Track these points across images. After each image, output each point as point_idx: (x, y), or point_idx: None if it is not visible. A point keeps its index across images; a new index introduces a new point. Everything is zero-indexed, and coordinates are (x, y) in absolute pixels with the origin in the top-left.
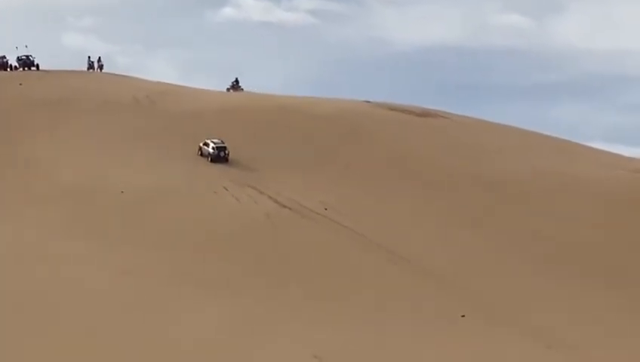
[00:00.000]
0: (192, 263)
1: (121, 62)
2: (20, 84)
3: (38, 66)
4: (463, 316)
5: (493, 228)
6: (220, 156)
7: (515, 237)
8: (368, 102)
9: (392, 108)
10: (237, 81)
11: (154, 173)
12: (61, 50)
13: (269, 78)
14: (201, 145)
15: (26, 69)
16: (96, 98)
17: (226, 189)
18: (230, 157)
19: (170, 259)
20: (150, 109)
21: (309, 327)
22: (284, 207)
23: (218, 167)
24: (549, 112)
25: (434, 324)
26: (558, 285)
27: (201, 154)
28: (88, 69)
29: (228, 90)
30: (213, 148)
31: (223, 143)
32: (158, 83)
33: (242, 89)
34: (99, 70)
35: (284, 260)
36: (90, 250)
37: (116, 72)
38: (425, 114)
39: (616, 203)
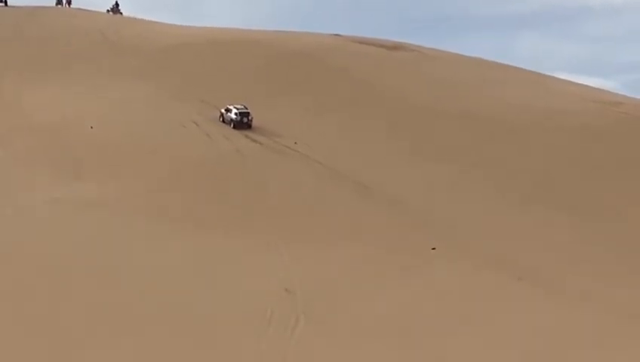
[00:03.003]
0: (158, 196)
1: None
2: None
3: (6, 2)
4: (434, 248)
5: (465, 162)
6: (242, 122)
7: (487, 170)
8: (338, 35)
9: (363, 42)
10: (117, 4)
11: (123, 109)
12: None
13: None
14: (222, 111)
15: None
16: (64, 34)
17: (197, 124)
18: (200, 93)
19: (136, 191)
20: (119, 45)
21: (279, 261)
22: (255, 142)
23: (190, 103)
24: (511, 44)
25: (405, 257)
26: (530, 218)
27: (223, 121)
28: (57, 4)
29: (108, 11)
30: (235, 113)
31: (246, 109)
32: (127, 18)
33: (122, 13)
34: (67, 5)
35: (254, 194)
36: (54, 183)
37: (85, 8)
38: (396, 47)
39: (590, 136)
